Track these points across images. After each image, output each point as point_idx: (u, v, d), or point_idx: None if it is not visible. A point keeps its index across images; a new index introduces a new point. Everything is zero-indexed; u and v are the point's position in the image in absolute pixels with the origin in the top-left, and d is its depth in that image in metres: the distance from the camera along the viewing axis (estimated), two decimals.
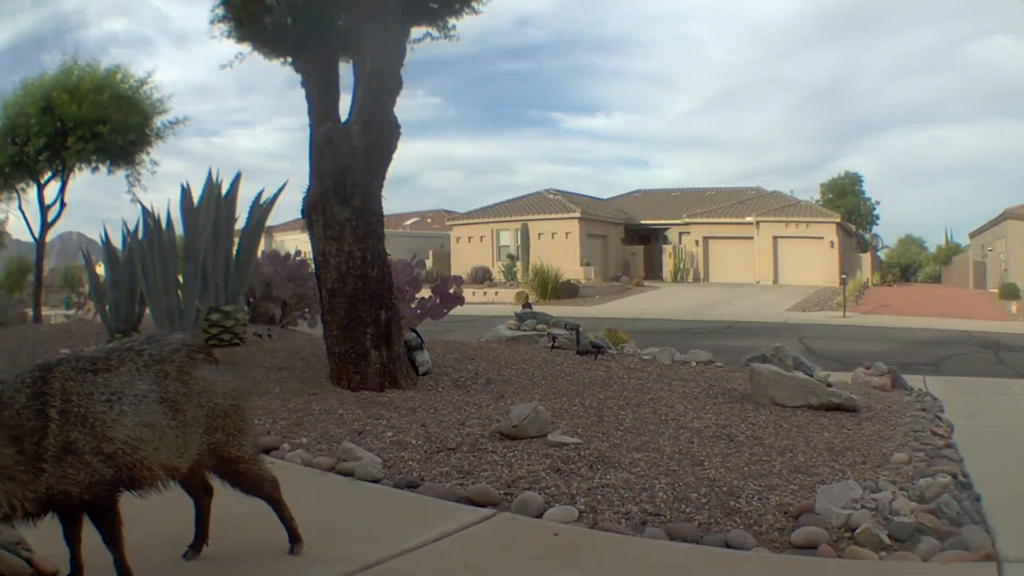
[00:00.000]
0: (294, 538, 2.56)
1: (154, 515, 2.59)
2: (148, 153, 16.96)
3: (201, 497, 2.53)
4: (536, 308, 10.56)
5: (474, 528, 2.92)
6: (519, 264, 33.01)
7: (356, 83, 6.17)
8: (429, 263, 33.97)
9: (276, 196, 7.86)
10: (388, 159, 6.00)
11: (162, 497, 2.33)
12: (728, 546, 2.84)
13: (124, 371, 2.23)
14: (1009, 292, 26.40)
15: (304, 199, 5.93)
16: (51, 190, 16.94)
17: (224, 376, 2.47)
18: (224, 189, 7.36)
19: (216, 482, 2.54)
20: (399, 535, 2.79)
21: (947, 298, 28.09)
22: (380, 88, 5.91)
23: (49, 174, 16.73)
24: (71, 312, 23.26)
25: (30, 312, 17.18)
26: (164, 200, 37.36)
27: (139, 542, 2.49)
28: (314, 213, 5.81)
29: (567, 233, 34.32)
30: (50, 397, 2.08)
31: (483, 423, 4.57)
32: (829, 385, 5.52)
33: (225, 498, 2.58)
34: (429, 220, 48.27)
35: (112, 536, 2.17)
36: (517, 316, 9.29)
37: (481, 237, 36.68)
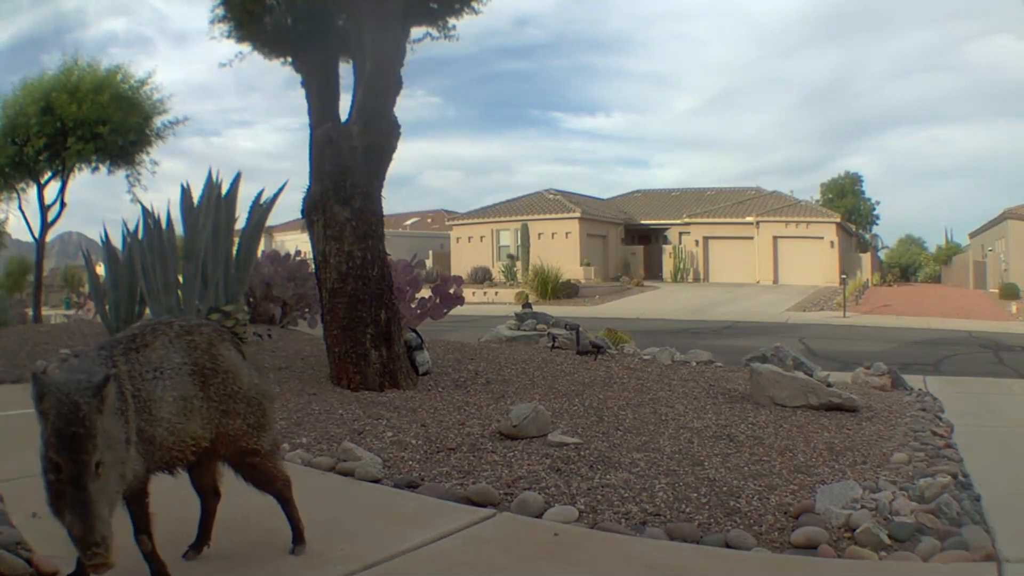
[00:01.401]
0: (298, 539, 2.55)
1: (153, 516, 2.59)
2: (148, 153, 16.99)
3: (209, 498, 2.53)
4: (536, 308, 10.56)
5: (474, 528, 2.92)
6: (519, 264, 33.02)
7: (356, 83, 6.17)
8: (429, 263, 33.97)
9: (276, 196, 7.84)
10: (388, 159, 6.00)
11: (162, 497, 2.33)
12: (728, 546, 2.84)
13: (159, 345, 2.23)
14: (1009, 292, 26.41)
15: (304, 199, 5.93)
16: (51, 190, 16.97)
17: (250, 369, 2.47)
18: (224, 189, 7.34)
19: (221, 485, 2.54)
20: (399, 535, 2.79)
21: (947, 298, 28.09)
22: (380, 88, 5.91)
23: (49, 174, 16.73)
24: (71, 312, 23.27)
25: (30, 312, 17.17)
26: (164, 200, 37.35)
27: None
28: (314, 213, 5.81)
29: (567, 233, 34.34)
30: (123, 379, 2.06)
31: (483, 423, 4.57)
32: (829, 385, 5.51)
33: (226, 498, 2.58)
34: (429, 220, 48.28)
35: (146, 523, 2.16)
36: (517, 316, 9.29)
37: (481, 237, 36.69)
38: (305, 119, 6.38)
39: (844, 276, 27.98)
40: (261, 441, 2.44)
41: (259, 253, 8.86)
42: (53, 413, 1.85)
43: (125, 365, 2.11)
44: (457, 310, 8.79)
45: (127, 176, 16.97)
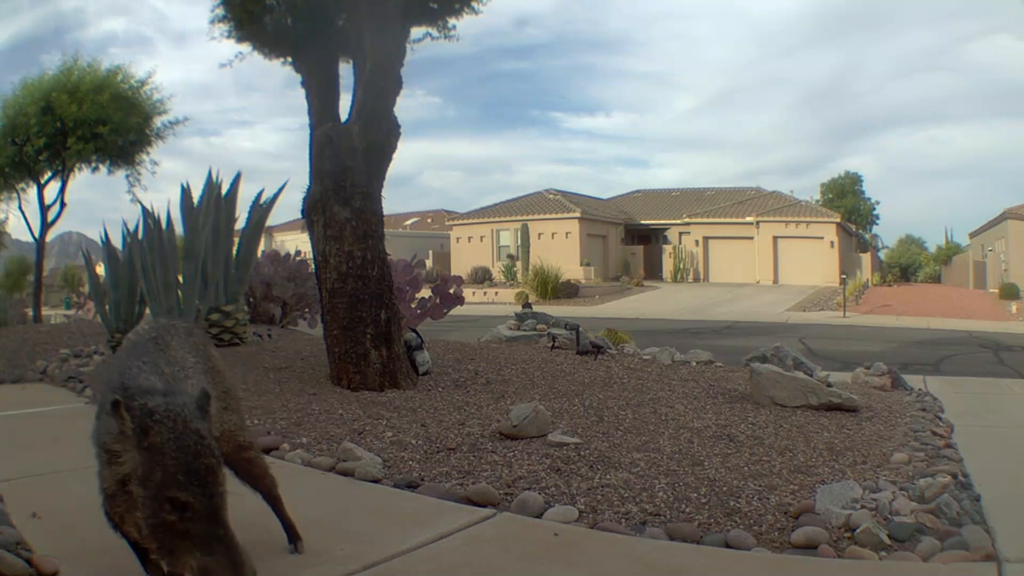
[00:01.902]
0: (293, 536, 2.55)
1: None
2: (148, 153, 16.99)
3: None
4: (536, 308, 10.56)
5: (474, 528, 2.92)
6: (519, 264, 33.04)
7: (356, 83, 6.17)
8: (429, 263, 33.99)
9: (276, 196, 7.86)
10: (388, 159, 6.00)
11: None
12: (728, 546, 2.84)
13: (176, 345, 2.20)
14: (1009, 292, 26.42)
15: (304, 199, 5.92)
16: (51, 190, 16.98)
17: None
18: (224, 189, 7.36)
19: None
20: (399, 535, 2.79)
21: (947, 298, 28.10)
22: (380, 88, 5.91)
23: (49, 174, 16.74)
24: (71, 312, 23.27)
25: (30, 312, 17.17)
26: (164, 200, 37.40)
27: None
28: (314, 213, 5.80)
29: (567, 233, 34.35)
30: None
31: (483, 423, 4.57)
32: (829, 385, 5.51)
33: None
34: (429, 220, 48.30)
35: None
36: (517, 316, 9.29)
37: (481, 237, 36.70)
38: (305, 119, 6.39)
39: (844, 276, 28.00)
40: (249, 436, 2.47)
41: (259, 253, 8.86)
42: (173, 447, 1.66)
43: (168, 368, 2.04)
44: (457, 310, 8.79)
45: (127, 176, 16.99)
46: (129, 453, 1.70)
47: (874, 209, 49.18)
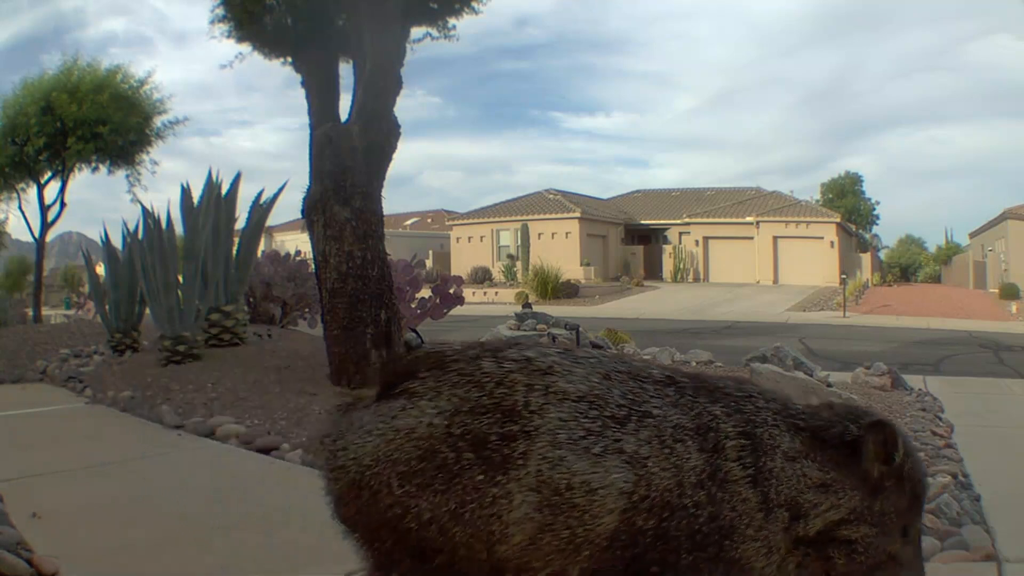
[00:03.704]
0: None
1: (153, 516, 2.59)
2: (148, 153, 16.94)
3: None
4: (536, 308, 10.57)
5: None
6: (519, 264, 33.04)
7: (356, 83, 6.17)
8: (429, 263, 33.99)
9: (276, 196, 7.86)
10: (388, 159, 6.00)
11: (160, 498, 2.33)
12: None
13: None
14: (1009, 292, 26.42)
15: (304, 199, 5.92)
16: (51, 190, 16.95)
17: None
18: (224, 189, 7.35)
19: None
20: None
21: (947, 298, 28.10)
22: (380, 88, 5.91)
23: (49, 174, 16.72)
24: (71, 312, 23.26)
25: (30, 312, 17.16)
26: (164, 200, 37.41)
27: (138, 542, 2.49)
28: (314, 213, 5.80)
29: (567, 233, 34.35)
30: None
31: None
32: (829, 385, 5.52)
33: (227, 500, 2.58)
34: (429, 220, 48.30)
35: None
36: (517, 316, 9.29)
37: (481, 237, 36.70)
38: (305, 119, 6.39)
39: (844, 276, 28.01)
40: None
41: (259, 253, 8.86)
42: (916, 466, 1.56)
43: None
44: (457, 310, 8.78)
45: (127, 176, 16.95)
46: (847, 493, 1.52)
47: (874, 209, 49.20)
